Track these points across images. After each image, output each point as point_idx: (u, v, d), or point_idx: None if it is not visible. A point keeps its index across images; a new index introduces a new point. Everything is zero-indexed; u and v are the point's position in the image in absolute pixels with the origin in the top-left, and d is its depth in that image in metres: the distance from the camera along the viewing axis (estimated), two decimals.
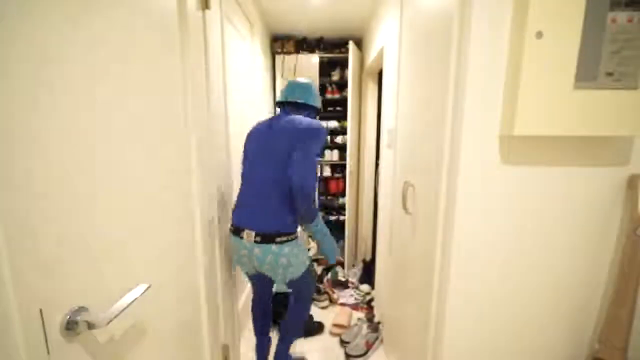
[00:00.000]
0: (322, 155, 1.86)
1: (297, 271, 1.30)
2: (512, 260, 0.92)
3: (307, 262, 1.37)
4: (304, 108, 1.38)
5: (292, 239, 1.25)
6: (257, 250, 1.23)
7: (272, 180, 1.23)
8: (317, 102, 1.43)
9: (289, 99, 1.37)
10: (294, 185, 1.16)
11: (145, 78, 0.71)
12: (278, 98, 1.45)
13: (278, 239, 1.22)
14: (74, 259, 0.52)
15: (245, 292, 1.98)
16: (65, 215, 0.50)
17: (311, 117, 1.40)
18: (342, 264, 2.77)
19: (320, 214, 1.48)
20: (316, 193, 1.29)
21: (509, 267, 0.93)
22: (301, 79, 1.43)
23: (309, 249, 1.49)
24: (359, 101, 2.68)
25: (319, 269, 2.76)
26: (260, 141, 1.31)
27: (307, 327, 1.90)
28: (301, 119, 1.27)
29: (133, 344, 0.68)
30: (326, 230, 1.37)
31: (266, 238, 1.21)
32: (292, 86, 1.39)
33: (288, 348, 1.53)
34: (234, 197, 1.43)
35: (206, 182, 1.08)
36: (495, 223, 0.90)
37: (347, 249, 2.69)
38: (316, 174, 1.23)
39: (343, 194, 2.85)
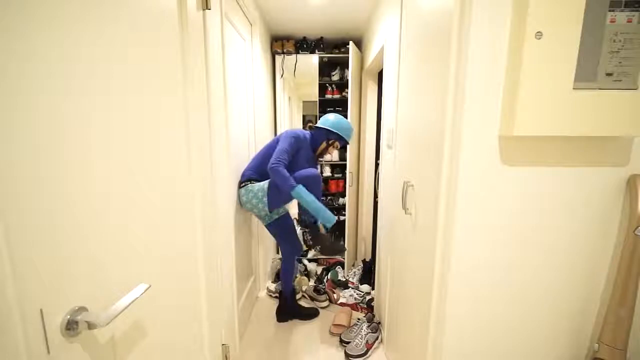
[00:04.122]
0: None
1: (257, 209, 1.83)
2: (512, 260, 0.92)
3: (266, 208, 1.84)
4: (323, 130, 1.94)
5: (244, 186, 1.83)
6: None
7: (259, 156, 1.92)
8: (331, 127, 1.91)
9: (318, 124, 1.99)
10: (269, 166, 1.74)
11: (145, 78, 0.71)
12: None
13: (242, 185, 1.85)
14: (74, 259, 0.52)
15: (245, 292, 1.98)
16: (65, 216, 0.50)
17: (322, 138, 1.96)
18: (342, 264, 2.77)
19: (302, 188, 1.74)
20: (285, 171, 1.73)
21: (509, 267, 0.93)
22: (339, 117, 1.97)
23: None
24: (359, 101, 2.68)
25: (319, 269, 2.76)
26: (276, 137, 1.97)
27: (304, 312, 2.10)
28: (289, 129, 1.93)
29: (133, 344, 0.69)
30: (310, 199, 1.73)
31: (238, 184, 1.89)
32: (326, 116, 1.98)
33: (286, 268, 2.05)
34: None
35: (206, 184, 1.08)
36: (494, 223, 0.90)
37: (347, 248, 2.69)
38: (284, 160, 1.74)
39: (343, 194, 2.85)
